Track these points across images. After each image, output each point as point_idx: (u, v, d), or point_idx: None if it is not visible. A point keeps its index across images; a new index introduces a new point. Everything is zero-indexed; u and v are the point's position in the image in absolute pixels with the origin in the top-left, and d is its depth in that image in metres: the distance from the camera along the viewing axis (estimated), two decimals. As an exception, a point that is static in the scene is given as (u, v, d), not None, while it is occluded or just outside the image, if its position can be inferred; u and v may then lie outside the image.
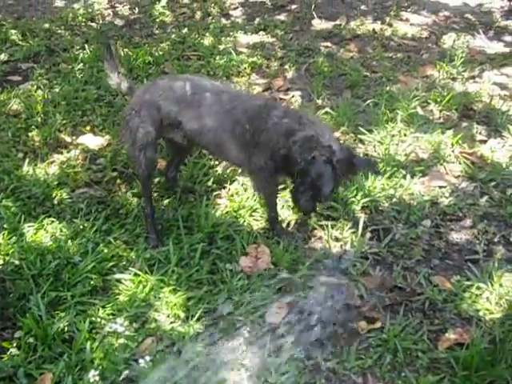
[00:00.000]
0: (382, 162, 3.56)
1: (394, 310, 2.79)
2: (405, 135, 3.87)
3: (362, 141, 3.85)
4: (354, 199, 3.31)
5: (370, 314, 2.76)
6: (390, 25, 5.38)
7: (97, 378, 2.20)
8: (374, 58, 4.86)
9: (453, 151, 3.74)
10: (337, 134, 3.90)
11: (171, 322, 2.71)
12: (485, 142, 3.89)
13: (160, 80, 3.24)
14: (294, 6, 5.89)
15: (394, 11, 5.63)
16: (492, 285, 2.83)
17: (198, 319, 2.71)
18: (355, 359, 2.57)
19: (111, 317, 2.70)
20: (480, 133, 3.96)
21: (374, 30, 5.29)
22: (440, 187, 3.47)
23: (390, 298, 2.84)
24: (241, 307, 2.76)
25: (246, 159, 3.00)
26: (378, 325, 2.70)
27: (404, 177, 3.50)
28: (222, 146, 3.02)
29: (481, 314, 2.74)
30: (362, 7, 5.91)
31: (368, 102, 4.17)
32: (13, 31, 5.46)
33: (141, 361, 2.35)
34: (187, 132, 3.00)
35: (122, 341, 2.56)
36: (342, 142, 3.19)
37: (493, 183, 3.51)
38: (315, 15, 5.59)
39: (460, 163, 3.65)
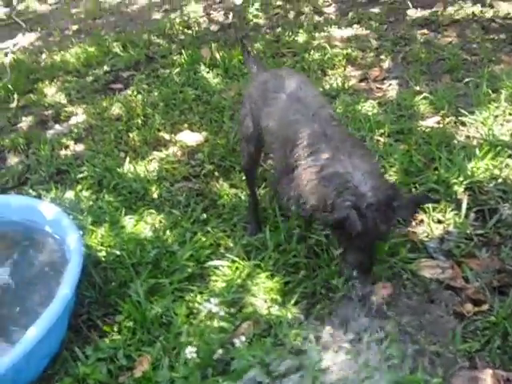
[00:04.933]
0: (485, 143, 3.38)
1: (502, 292, 2.61)
2: (510, 114, 3.65)
3: (463, 123, 3.68)
4: (455, 180, 3.15)
5: (475, 296, 2.60)
6: (491, 6, 5.10)
7: (194, 355, 2.20)
8: (474, 40, 4.63)
9: None
10: (436, 119, 3.76)
11: (268, 307, 2.68)
12: None
13: (266, 72, 3.11)
14: (387, -2, 5.77)
15: (496, -8, 5.36)
16: None
17: (295, 303, 2.67)
18: (461, 342, 2.43)
19: (209, 302, 2.70)
20: None
21: (473, 13, 5.04)
22: (550, 166, 3.24)
23: (497, 279, 2.67)
24: (337, 291, 2.69)
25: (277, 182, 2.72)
26: (485, 307, 2.55)
27: (510, 156, 3.30)
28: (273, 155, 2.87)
29: None
30: (461, -7, 5.68)
31: (468, 81, 4.00)
32: (114, 43, 5.70)
33: (236, 341, 2.33)
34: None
35: (218, 324, 2.57)
36: (386, 180, 2.61)
37: None
38: (410, 5, 5.42)
39: None
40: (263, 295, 2.74)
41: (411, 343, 2.45)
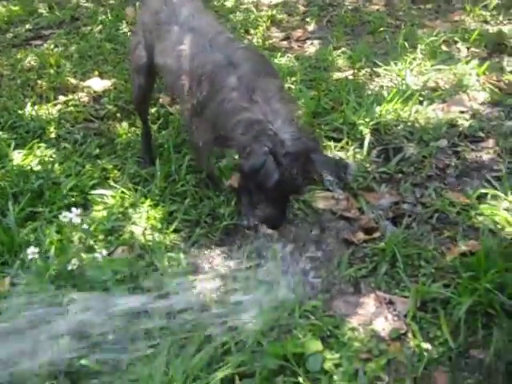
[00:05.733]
0: (395, 89, 3.27)
1: (396, 222, 2.48)
2: (425, 67, 3.55)
3: (378, 75, 3.57)
4: (361, 121, 3.01)
5: (368, 225, 2.46)
6: (421, -21, 5.06)
7: (36, 256, 1.98)
8: (401, 8, 4.56)
9: (478, 81, 3.39)
10: (352, 71, 3.64)
11: (147, 234, 2.49)
12: (516, 72, 3.50)
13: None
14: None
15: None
16: (513, 194, 2.48)
17: (175, 231, 2.49)
18: (347, 268, 2.28)
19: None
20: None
21: (403, -14, 4.98)
22: (461, 112, 3.14)
23: (393, 211, 2.53)
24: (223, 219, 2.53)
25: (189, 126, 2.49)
26: (377, 235, 2.41)
27: (421, 103, 3.19)
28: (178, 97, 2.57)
29: (499, 226, 2.39)
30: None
31: (383, 31, 4.02)
32: (40, 4, 5.47)
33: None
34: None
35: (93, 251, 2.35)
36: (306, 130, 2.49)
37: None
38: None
39: (485, 90, 3.30)
40: (144, 223, 2.55)
41: (294, 268, 2.29)
